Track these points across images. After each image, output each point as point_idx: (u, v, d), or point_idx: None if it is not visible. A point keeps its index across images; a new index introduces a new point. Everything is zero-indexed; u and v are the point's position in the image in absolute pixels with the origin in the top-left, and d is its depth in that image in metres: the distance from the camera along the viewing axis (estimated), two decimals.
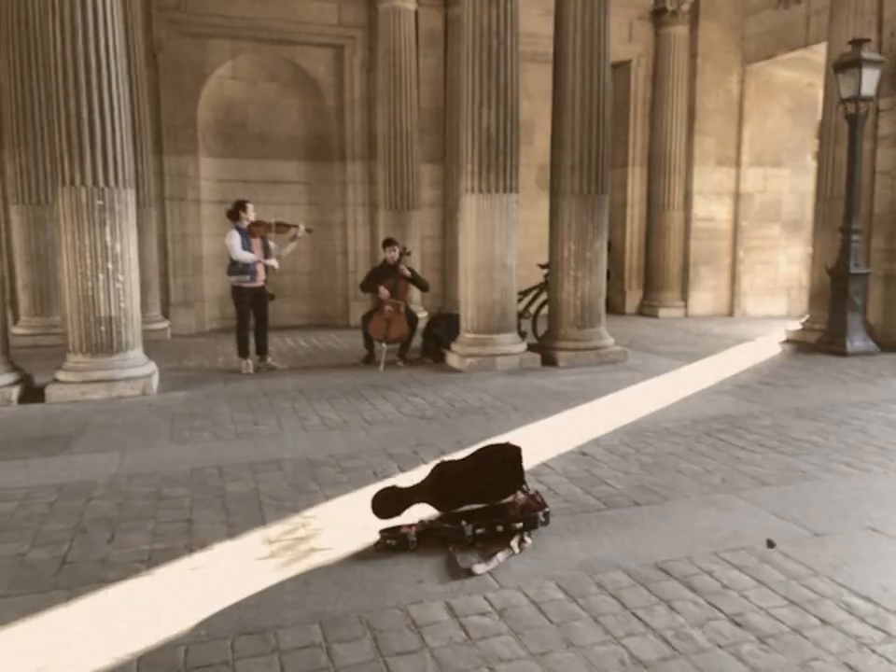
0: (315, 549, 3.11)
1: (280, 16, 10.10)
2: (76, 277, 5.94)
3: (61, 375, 6.04)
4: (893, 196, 8.39)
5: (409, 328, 7.62)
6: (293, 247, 7.55)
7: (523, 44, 7.59)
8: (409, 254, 8.15)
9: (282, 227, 7.33)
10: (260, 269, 7.16)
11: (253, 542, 3.19)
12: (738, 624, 2.50)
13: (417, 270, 9.26)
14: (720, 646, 2.37)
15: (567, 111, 7.44)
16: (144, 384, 6.14)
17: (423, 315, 9.63)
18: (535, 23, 9.92)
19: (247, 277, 7.07)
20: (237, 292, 7.16)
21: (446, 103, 10.93)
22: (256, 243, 7.14)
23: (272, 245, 7.31)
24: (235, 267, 7.05)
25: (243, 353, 7.26)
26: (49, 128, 6.22)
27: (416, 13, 10.44)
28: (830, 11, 8.69)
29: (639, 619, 2.53)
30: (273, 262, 7.24)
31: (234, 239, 6.98)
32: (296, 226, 7.44)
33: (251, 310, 7.23)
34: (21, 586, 2.79)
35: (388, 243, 8.00)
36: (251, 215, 7.13)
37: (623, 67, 11.88)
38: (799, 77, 11.59)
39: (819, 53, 9.68)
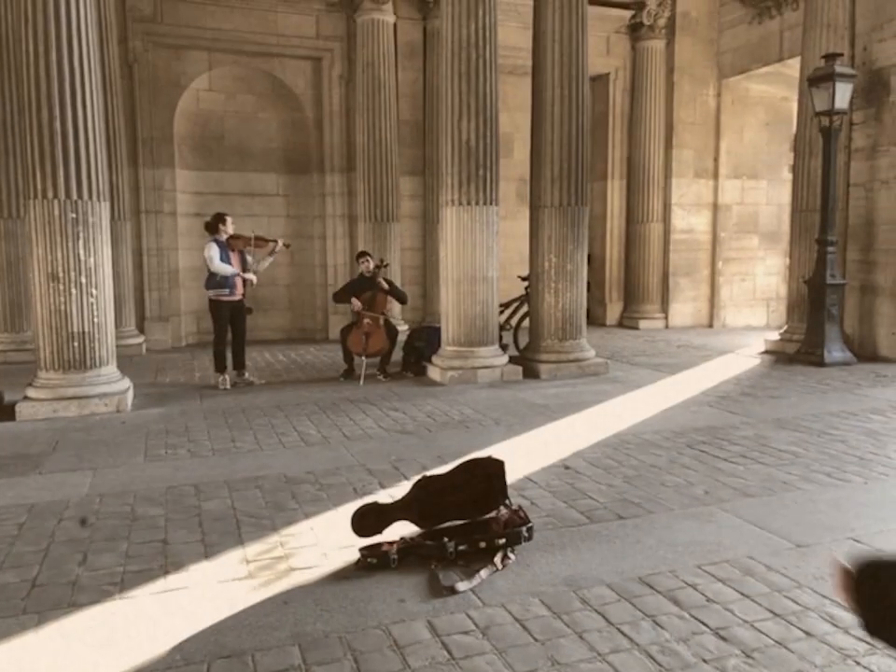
0: (293, 568, 3.05)
1: (258, 28, 10.07)
2: (47, 292, 5.82)
3: (31, 392, 5.90)
4: (867, 208, 8.51)
5: (389, 341, 7.56)
6: (270, 262, 7.50)
7: (501, 57, 7.63)
8: (386, 266, 8.10)
9: (260, 241, 7.29)
10: (239, 282, 7.09)
11: (230, 562, 3.12)
12: (723, 638, 2.48)
13: (397, 282, 9.23)
14: (705, 661, 2.35)
15: (546, 124, 7.47)
16: (118, 400, 6.02)
17: (403, 328, 9.58)
18: (513, 36, 9.97)
19: (226, 291, 6.99)
20: (215, 306, 7.08)
21: (426, 115, 10.95)
22: (234, 256, 7.08)
23: (249, 259, 7.24)
24: (213, 280, 6.97)
25: (220, 368, 7.15)
26: (20, 140, 6.11)
27: (395, 25, 10.46)
28: (803, 26, 8.84)
29: (624, 634, 2.50)
30: (251, 276, 7.16)
31: (213, 251, 6.91)
32: (274, 241, 7.40)
33: (229, 324, 7.14)
34: None
35: (361, 255, 7.95)
36: (230, 228, 7.07)
37: (601, 80, 11.99)
38: (774, 91, 11.77)
39: (792, 68, 9.83)
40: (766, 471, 4.31)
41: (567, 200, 7.48)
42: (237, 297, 7.10)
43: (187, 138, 10.37)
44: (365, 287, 7.63)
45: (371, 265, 7.74)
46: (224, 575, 2.99)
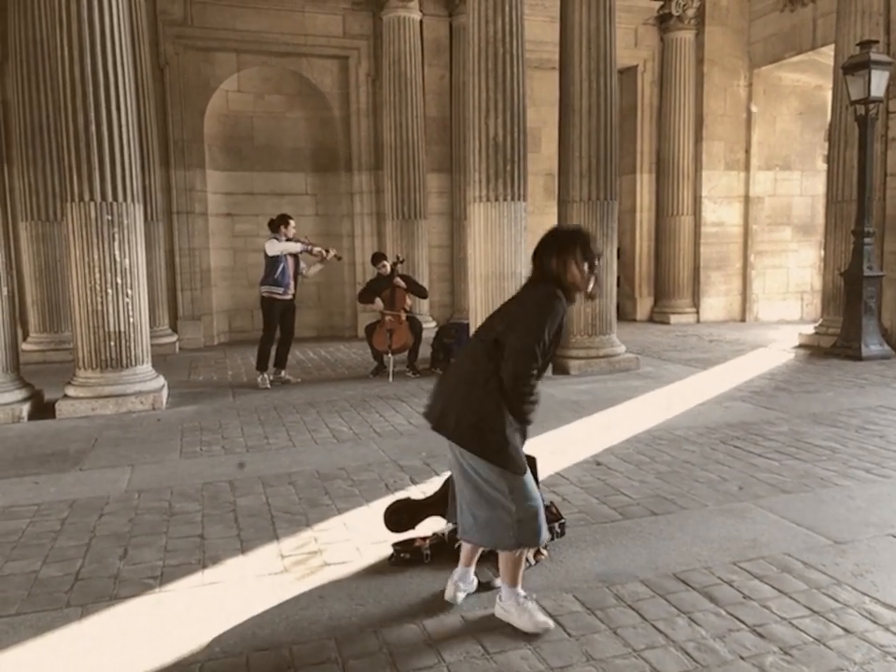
0: (328, 563, 3.08)
1: (285, 29, 10.15)
2: (85, 292, 5.95)
3: (70, 391, 6.04)
4: None
5: (413, 336, 7.57)
6: (319, 269, 7.56)
7: (528, 51, 7.57)
8: (402, 262, 8.09)
9: (314, 247, 7.41)
10: (292, 282, 7.13)
11: (266, 557, 3.16)
12: (761, 636, 2.45)
13: (424, 280, 9.25)
14: (742, 658, 2.32)
15: (573, 118, 7.42)
16: (153, 398, 6.13)
17: (431, 325, 9.60)
18: (540, 30, 9.93)
19: (280, 290, 7.05)
20: (267, 303, 7.13)
21: (452, 111, 10.95)
22: (289, 258, 7.13)
23: (301, 264, 7.32)
24: (270, 278, 7.02)
25: (262, 366, 7.18)
26: (57, 145, 6.24)
27: (421, 22, 10.48)
28: (837, 13, 8.66)
29: (660, 631, 2.49)
30: (319, 249, 7.24)
31: (279, 244, 6.96)
32: (326, 250, 7.46)
33: (279, 323, 7.21)
34: (35, 604, 2.77)
35: (377, 258, 7.90)
36: (291, 231, 7.15)
37: (629, 73, 11.88)
38: (807, 80, 11.55)
39: (826, 56, 9.64)
40: (803, 467, 4.25)
41: (595, 194, 7.43)
42: (289, 296, 7.17)
43: (217, 139, 10.51)
44: (385, 286, 7.64)
45: (388, 267, 7.73)
46: (260, 570, 3.03)
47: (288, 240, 7.11)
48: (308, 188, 11.10)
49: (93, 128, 5.84)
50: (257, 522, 3.57)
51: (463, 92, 9.73)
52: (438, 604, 2.70)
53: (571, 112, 7.44)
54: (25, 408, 5.87)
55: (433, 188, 10.95)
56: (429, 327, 9.10)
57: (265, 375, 7.19)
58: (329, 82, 10.72)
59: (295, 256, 7.21)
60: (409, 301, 7.80)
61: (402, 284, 7.64)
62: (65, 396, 6.03)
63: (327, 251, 7.43)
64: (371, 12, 10.50)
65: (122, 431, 5.43)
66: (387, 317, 7.48)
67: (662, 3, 11.47)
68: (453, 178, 11.06)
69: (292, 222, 7.19)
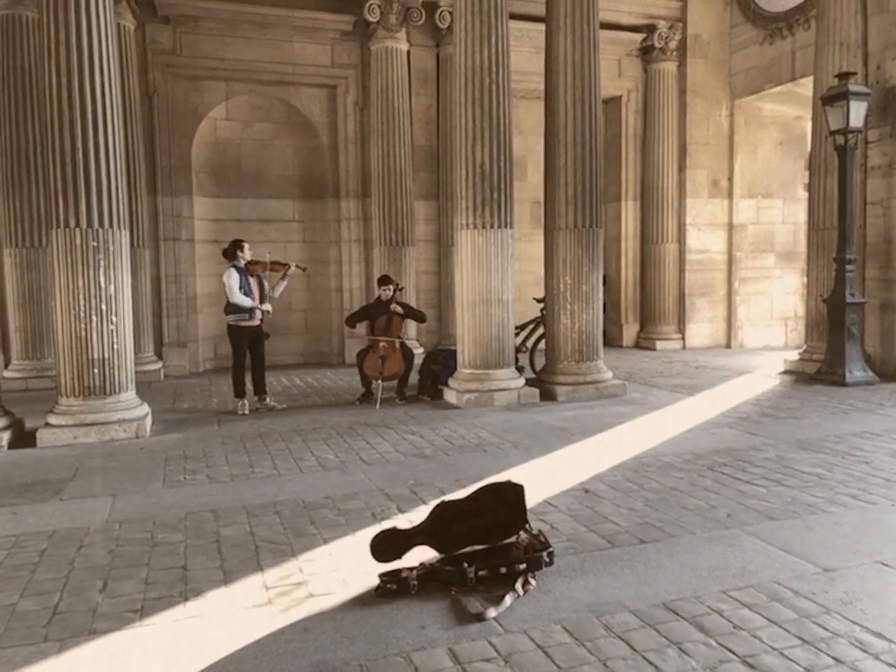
0: (313, 594, 3.03)
1: (274, 58, 10.25)
2: (69, 319, 5.89)
3: (52, 419, 5.96)
4: (885, 226, 8.45)
5: (405, 364, 7.55)
6: (284, 286, 7.53)
7: (514, 81, 7.69)
8: (401, 289, 8.11)
9: (276, 265, 7.39)
10: (258, 309, 7.12)
11: (249, 589, 3.10)
12: (751, 666, 2.42)
13: (413, 305, 9.23)
14: None
15: (559, 147, 7.51)
16: (137, 426, 6.06)
17: (419, 351, 9.59)
18: (526, 61, 10.09)
19: (245, 316, 7.04)
20: (234, 331, 7.13)
21: (439, 140, 11.05)
22: (253, 282, 7.14)
23: (266, 284, 7.31)
24: (233, 305, 7.03)
25: (239, 393, 7.17)
26: (43, 171, 6.23)
27: (408, 53, 10.61)
28: (815, 46, 8.85)
29: (650, 662, 2.45)
30: (267, 307, 7.24)
31: (233, 280, 6.97)
32: (287, 264, 7.45)
33: (248, 349, 7.18)
34: (12, 638, 2.70)
35: (384, 281, 7.92)
36: (247, 254, 7.13)
37: (613, 103, 12.06)
38: (787, 111, 11.77)
39: (805, 87, 9.84)
40: (790, 494, 4.25)
41: (581, 221, 7.49)
42: (256, 322, 7.15)
43: (204, 166, 10.53)
44: (381, 311, 7.65)
45: (391, 291, 7.74)
46: (243, 602, 2.98)
47: (248, 263, 7.10)
48: (296, 214, 11.12)
49: (80, 154, 5.84)
50: (240, 552, 3.51)
51: (450, 121, 9.84)
52: (425, 636, 2.66)
53: (557, 141, 7.53)
54: (5, 436, 5.78)
55: (420, 215, 11.01)
56: (417, 353, 9.08)
57: (244, 402, 7.14)
58: (317, 110, 10.80)
59: (259, 279, 7.20)
60: (404, 329, 7.80)
61: (400, 310, 7.63)
62: (47, 424, 5.95)
63: (286, 265, 7.41)
64: (359, 42, 10.63)
65: (105, 460, 5.35)
66: (382, 343, 7.45)
67: (645, 35, 11.70)
68: (440, 205, 11.12)
69: (246, 245, 7.16)
